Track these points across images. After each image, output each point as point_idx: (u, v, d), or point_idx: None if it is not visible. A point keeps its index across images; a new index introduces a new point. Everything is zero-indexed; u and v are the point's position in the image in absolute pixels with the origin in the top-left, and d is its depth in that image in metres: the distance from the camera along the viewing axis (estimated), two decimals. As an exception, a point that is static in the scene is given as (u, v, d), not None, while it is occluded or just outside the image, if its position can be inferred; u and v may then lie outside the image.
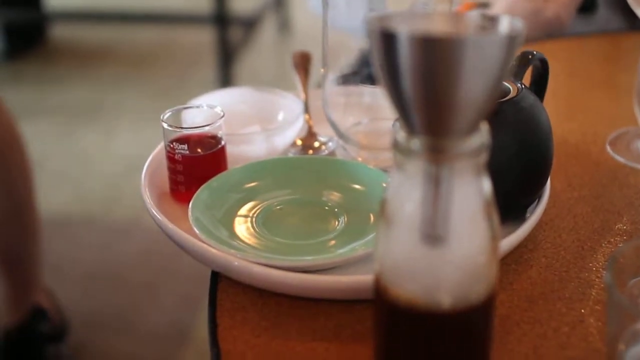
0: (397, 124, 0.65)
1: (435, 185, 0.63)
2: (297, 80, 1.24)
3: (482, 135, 0.64)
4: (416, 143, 0.63)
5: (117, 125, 3.48)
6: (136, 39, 4.63)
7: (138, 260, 2.61)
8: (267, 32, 4.72)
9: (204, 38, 4.23)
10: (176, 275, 2.52)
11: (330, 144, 1.14)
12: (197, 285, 2.45)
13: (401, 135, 0.64)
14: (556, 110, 0.98)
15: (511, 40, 0.60)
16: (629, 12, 1.64)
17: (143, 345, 2.24)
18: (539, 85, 1.01)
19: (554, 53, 1.01)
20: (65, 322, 2.18)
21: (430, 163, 0.63)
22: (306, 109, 1.17)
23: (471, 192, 0.65)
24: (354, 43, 1.11)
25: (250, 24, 4.29)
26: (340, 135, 1.08)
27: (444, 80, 0.60)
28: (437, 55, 0.59)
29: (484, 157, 0.65)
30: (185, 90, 3.79)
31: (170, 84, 3.94)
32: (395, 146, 0.65)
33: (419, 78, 0.60)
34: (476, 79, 0.60)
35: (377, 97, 1.12)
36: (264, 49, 4.51)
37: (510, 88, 0.94)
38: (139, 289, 2.48)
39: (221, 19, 3.80)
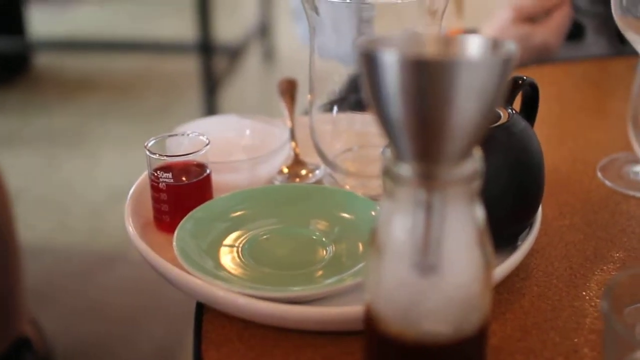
0: (387, 150, 0.64)
1: (426, 212, 0.62)
2: (283, 107, 1.22)
3: (475, 162, 0.63)
4: (407, 169, 0.61)
5: (101, 153, 3.46)
6: (120, 67, 4.62)
7: (122, 290, 2.58)
8: (252, 60, 4.72)
9: (189, 67, 4.22)
10: (161, 305, 2.49)
11: (317, 172, 1.12)
12: (182, 316, 2.43)
13: (391, 161, 0.63)
14: (546, 136, 0.97)
15: (505, 62, 0.58)
16: (616, 37, 1.64)
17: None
18: (529, 110, 1.00)
19: (542, 79, 1.00)
20: (51, 352, 2.15)
21: (421, 190, 0.61)
22: (292, 137, 1.15)
23: (464, 219, 0.63)
24: (341, 70, 1.10)
25: (235, 52, 4.28)
26: (328, 162, 1.06)
27: (436, 104, 0.58)
28: (429, 78, 0.57)
29: (477, 184, 0.63)
30: (170, 118, 3.78)
31: (155, 112, 3.93)
32: (385, 173, 0.63)
33: (409, 102, 0.59)
34: (469, 103, 0.59)
35: (365, 124, 1.11)
36: (249, 78, 4.50)
37: (501, 113, 0.92)
38: (123, 320, 2.45)
39: (206, 48, 3.79)
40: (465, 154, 0.62)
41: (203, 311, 0.88)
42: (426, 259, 0.62)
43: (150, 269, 0.92)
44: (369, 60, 0.59)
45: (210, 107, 3.76)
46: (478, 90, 0.58)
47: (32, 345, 2.07)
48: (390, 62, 0.57)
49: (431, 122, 0.59)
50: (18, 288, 2.05)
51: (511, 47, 0.60)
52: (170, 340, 2.36)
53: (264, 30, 4.79)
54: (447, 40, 0.65)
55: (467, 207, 0.63)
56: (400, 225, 0.64)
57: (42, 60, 4.65)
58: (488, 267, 0.66)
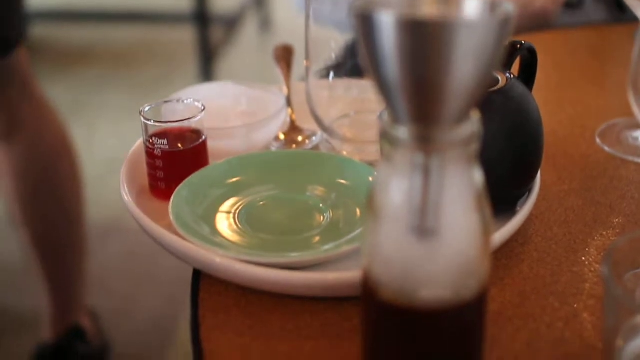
0: (384, 113, 0.63)
1: (424, 176, 0.61)
2: (279, 73, 1.21)
3: (473, 124, 0.62)
4: (404, 132, 0.61)
5: (97, 124, 3.45)
6: (117, 38, 4.60)
7: (119, 262, 2.58)
8: (249, 30, 4.70)
9: (185, 37, 4.20)
10: (158, 276, 2.49)
11: (314, 138, 1.12)
12: (179, 287, 2.43)
13: (389, 124, 0.62)
14: (544, 102, 0.96)
15: (503, 23, 0.57)
16: (615, 4, 1.63)
17: (125, 348, 2.21)
18: (528, 75, 0.99)
19: (540, 46, 0.98)
20: (106, 345, 2.14)
21: (419, 153, 0.61)
22: (289, 103, 1.14)
23: (462, 183, 0.63)
24: (337, 36, 1.09)
25: (231, 22, 4.27)
26: (325, 128, 1.05)
27: (433, 65, 0.57)
28: (426, 39, 0.56)
29: (475, 147, 0.62)
30: (166, 89, 3.76)
31: (151, 83, 3.91)
32: (383, 136, 0.62)
33: (407, 64, 0.58)
34: (467, 64, 0.58)
35: (362, 90, 1.11)
36: (245, 47, 4.48)
37: (499, 78, 0.91)
38: (120, 291, 2.45)
39: (202, 18, 3.77)
40: (463, 116, 0.61)
41: (200, 278, 0.88)
42: (424, 222, 0.62)
43: (147, 240, 0.92)
44: (366, 22, 0.58)
45: (207, 77, 3.74)
46: (476, 51, 0.57)
47: (87, 337, 2.06)
48: (387, 24, 0.57)
49: (428, 83, 0.58)
50: (80, 278, 2.04)
51: (509, 8, 0.59)
52: (167, 311, 2.36)
53: (260, 0, 4.77)
54: (445, 1, 0.64)
55: (465, 170, 0.63)
56: (397, 188, 0.63)
57: (38, 32, 4.63)
58: (487, 232, 0.65)
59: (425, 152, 0.60)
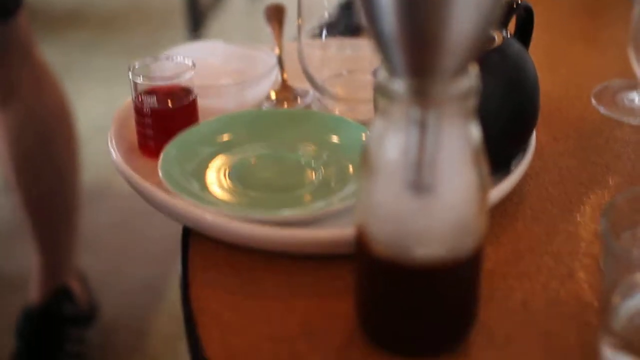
0: (380, 68, 0.61)
1: (421, 130, 0.60)
2: (270, 33, 1.19)
3: (471, 78, 0.61)
4: (401, 85, 0.59)
5: (85, 89, 3.42)
6: (105, 1, 4.57)
7: (109, 224, 2.56)
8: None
9: (174, 0, 4.17)
10: (148, 238, 2.48)
11: (306, 97, 1.10)
12: (170, 248, 2.41)
13: (385, 78, 0.61)
14: (540, 63, 0.95)
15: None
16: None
17: (116, 310, 2.21)
18: (524, 35, 0.98)
19: (537, 5, 0.97)
20: (94, 307, 2.13)
21: (415, 107, 0.59)
22: (280, 62, 1.13)
23: (459, 138, 0.62)
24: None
25: (221, -17, 4.23)
26: (317, 87, 1.04)
27: (431, 16, 0.56)
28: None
29: (472, 102, 0.61)
30: (156, 52, 3.71)
31: (140, 47, 3.88)
32: (379, 90, 0.61)
33: (404, 14, 0.56)
34: (465, 16, 0.56)
35: (355, 48, 1.09)
36: (235, 9, 4.45)
37: (496, 37, 0.90)
38: (109, 253, 2.44)
39: (191, -21, 3.74)
40: (461, 70, 0.60)
41: (189, 237, 0.87)
42: (420, 178, 0.61)
43: (136, 202, 0.90)
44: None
45: (197, 40, 3.71)
46: (474, 2, 0.56)
47: (75, 298, 2.05)
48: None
49: (427, 35, 0.57)
50: (71, 241, 2.04)
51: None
52: (157, 272, 2.34)
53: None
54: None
55: (462, 125, 0.62)
56: (393, 144, 0.62)
57: (27, -6, 4.60)
58: (483, 188, 0.64)
59: (422, 106, 0.59)
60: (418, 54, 0.58)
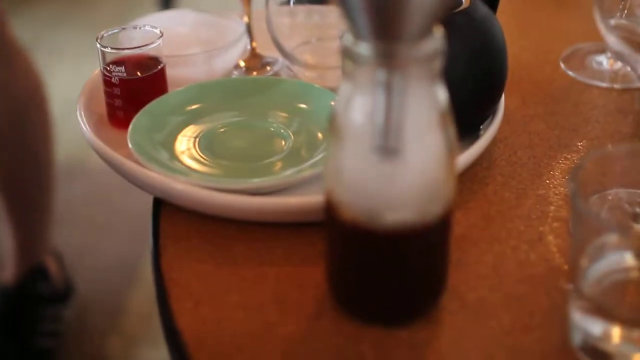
0: (347, 32, 0.61)
1: (387, 93, 0.59)
2: (239, 1, 1.18)
3: (436, 41, 0.60)
4: (366, 48, 0.59)
5: (54, 65, 3.39)
6: (74, -26, 4.53)
7: (82, 201, 2.55)
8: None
9: (144, -29, 4.14)
10: (122, 215, 2.47)
11: (275, 65, 1.10)
12: (143, 225, 2.41)
13: (350, 41, 0.60)
14: (508, 27, 0.94)
15: None
16: None
17: (91, 287, 2.20)
18: (491, -2, 0.97)
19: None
20: (70, 286, 2.12)
21: (381, 69, 0.59)
22: (249, 30, 1.12)
23: (426, 101, 0.62)
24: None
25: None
26: (286, 55, 1.04)
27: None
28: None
29: (438, 64, 0.61)
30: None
31: (110, 20, 3.85)
32: (345, 54, 0.61)
33: (368, -23, 0.56)
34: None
35: (323, 16, 1.09)
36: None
37: (463, 0, 0.90)
38: (83, 230, 2.43)
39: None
40: (425, 32, 0.60)
41: (160, 208, 0.86)
42: (387, 142, 0.61)
43: (110, 178, 0.90)
44: None
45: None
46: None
47: (50, 277, 2.04)
48: None
49: (391, -2, 0.57)
50: (45, 219, 2.03)
51: None
52: (132, 249, 2.34)
53: None
54: None
55: (428, 88, 0.61)
56: (360, 107, 0.62)
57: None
58: (451, 152, 0.64)
59: (387, 69, 0.59)
60: (382, 16, 0.58)
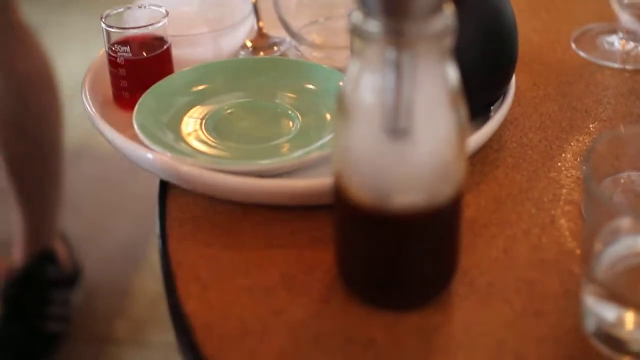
0: (355, 10, 0.60)
1: (396, 72, 0.58)
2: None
3: (446, 18, 0.59)
4: (376, 26, 0.58)
5: (61, 48, 3.38)
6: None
7: (89, 185, 2.54)
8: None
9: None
10: (129, 199, 2.46)
11: (282, 45, 1.08)
12: (149, 207, 2.40)
13: (359, 18, 0.59)
14: (518, 7, 0.93)
15: None
16: None
17: (99, 270, 2.20)
18: (502, -22, 0.96)
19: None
20: (78, 270, 2.12)
21: (390, 47, 0.58)
22: (256, 10, 1.11)
23: (436, 79, 0.60)
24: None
25: None
26: (293, 35, 1.02)
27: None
28: None
29: (448, 41, 0.60)
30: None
31: (118, 2, 3.85)
32: (354, 32, 0.60)
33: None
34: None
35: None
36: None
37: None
38: (90, 214, 2.42)
39: None
40: (435, 8, 0.58)
41: (167, 190, 0.86)
42: (397, 122, 0.59)
43: (117, 162, 0.89)
44: None
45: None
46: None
47: (58, 260, 2.04)
48: None
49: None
50: (54, 203, 2.03)
51: None
52: (138, 233, 2.33)
53: None
54: None
55: (438, 66, 0.60)
56: (369, 87, 0.61)
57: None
58: (462, 132, 0.63)
59: (397, 47, 0.58)
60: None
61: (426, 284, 0.69)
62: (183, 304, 0.72)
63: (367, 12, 0.58)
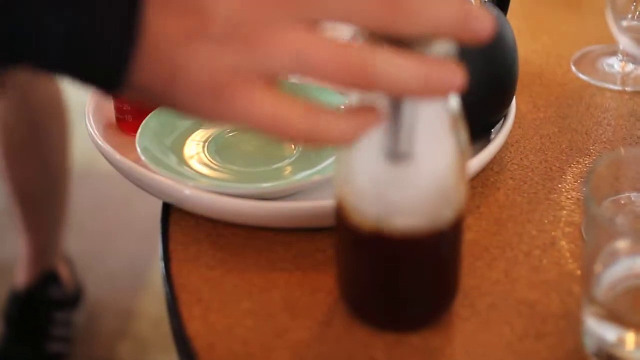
0: (358, 35, 0.60)
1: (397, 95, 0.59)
2: None
3: (447, 42, 0.60)
4: (377, 50, 0.58)
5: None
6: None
7: (92, 206, 2.55)
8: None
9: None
10: (131, 220, 2.47)
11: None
12: (153, 230, 2.40)
13: (362, 42, 0.60)
14: (518, 29, 0.94)
15: None
16: None
17: (101, 291, 2.20)
18: (501, 1, 0.96)
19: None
20: (80, 291, 2.13)
21: (392, 72, 0.58)
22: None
23: (437, 104, 0.61)
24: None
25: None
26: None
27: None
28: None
29: (449, 66, 0.60)
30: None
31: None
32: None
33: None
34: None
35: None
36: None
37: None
38: (93, 234, 2.43)
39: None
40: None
41: (169, 213, 0.86)
42: (398, 146, 0.60)
43: (119, 184, 0.89)
44: None
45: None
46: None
47: (61, 282, 2.05)
48: None
49: None
50: (58, 225, 2.04)
51: None
52: (141, 253, 2.34)
53: None
54: None
55: (440, 91, 0.61)
56: (370, 111, 0.61)
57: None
58: (462, 156, 0.64)
59: (399, 71, 0.58)
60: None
61: (427, 306, 0.70)
62: (186, 326, 0.72)
63: (369, 36, 0.59)
